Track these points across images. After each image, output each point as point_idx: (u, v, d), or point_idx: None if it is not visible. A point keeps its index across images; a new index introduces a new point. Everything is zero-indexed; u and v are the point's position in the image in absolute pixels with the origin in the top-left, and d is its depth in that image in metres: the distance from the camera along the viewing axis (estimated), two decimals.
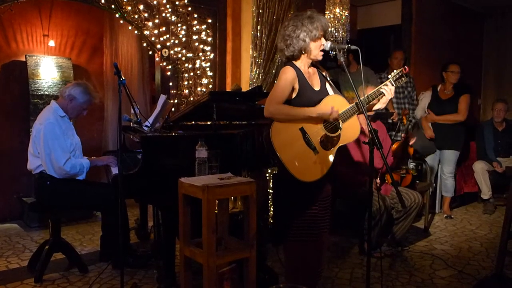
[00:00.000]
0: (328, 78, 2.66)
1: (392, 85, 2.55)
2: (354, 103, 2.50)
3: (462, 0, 6.87)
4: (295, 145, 2.39)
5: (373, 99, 2.53)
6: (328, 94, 2.57)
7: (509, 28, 7.33)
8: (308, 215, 2.55)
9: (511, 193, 3.15)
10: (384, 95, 2.53)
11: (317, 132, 2.44)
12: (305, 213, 2.54)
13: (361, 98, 2.46)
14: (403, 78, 2.55)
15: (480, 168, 5.26)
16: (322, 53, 2.48)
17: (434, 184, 5.06)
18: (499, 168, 5.17)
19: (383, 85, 2.53)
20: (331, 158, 2.46)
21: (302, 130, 2.41)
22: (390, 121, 4.72)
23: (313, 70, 2.59)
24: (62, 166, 3.12)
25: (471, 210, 5.42)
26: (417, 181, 4.45)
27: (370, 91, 2.58)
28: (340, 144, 2.49)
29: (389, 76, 2.56)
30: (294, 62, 2.51)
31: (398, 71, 2.55)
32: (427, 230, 4.42)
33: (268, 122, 2.43)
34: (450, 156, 4.94)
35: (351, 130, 2.52)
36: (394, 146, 3.78)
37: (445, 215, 4.99)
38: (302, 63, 2.51)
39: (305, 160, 2.40)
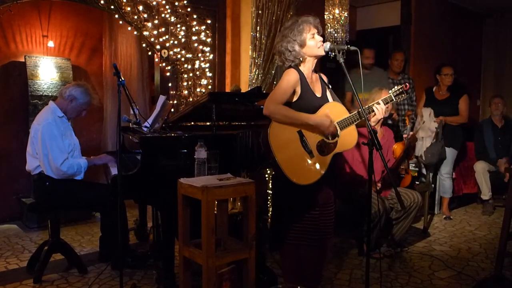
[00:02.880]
0: (329, 86, 2.67)
1: (391, 101, 2.59)
2: (355, 112, 2.50)
3: (461, 1, 6.87)
4: (291, 147, 2.40)
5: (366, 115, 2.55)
6: (328, 101, 2.58)
7: (509, 28, 7.34)
8: (307, 219, 2.54)
9: (510, 194, 3.15)
10: (376, 114, 2.57)
11: (314, 136, 2.45)
12: (302, 216, 2.54)
13: (358, 110, 2.46)
14: (403, 95, 2.59)
15: (481, 168, 5.25)
16: (322, 48, 2.47)
17: (433, 185, 5.05)
18: (502, 164, 5.08)
19: (375, 103, 2.56)
20: (326, 163, 2.46)
21: (299, 132, 2.42)
22: (389, 121, 4.72)
23: (315, 76, 2.60)
24: (59, 167, 3.11)
25: (470, 211, 5.42)
26: (417, 182, 4.44)
27: (385, 95, 2.60)
28: (336, 151, 2.50)
29: (390, 92, 2.60)
30: (298, 66, 2.52)
31: (399, 88, 2.59)
32: (426, 231, 4.42)
33: (267, 123, 2.43)
34: (448, 154, 4.92)
35: (348, 138, 2.54)
36: (395, 146, 3.77)
37: (444, 216, 4.99)
38: (305, 68, 2.52)
39: (300, 163, 2.41)
